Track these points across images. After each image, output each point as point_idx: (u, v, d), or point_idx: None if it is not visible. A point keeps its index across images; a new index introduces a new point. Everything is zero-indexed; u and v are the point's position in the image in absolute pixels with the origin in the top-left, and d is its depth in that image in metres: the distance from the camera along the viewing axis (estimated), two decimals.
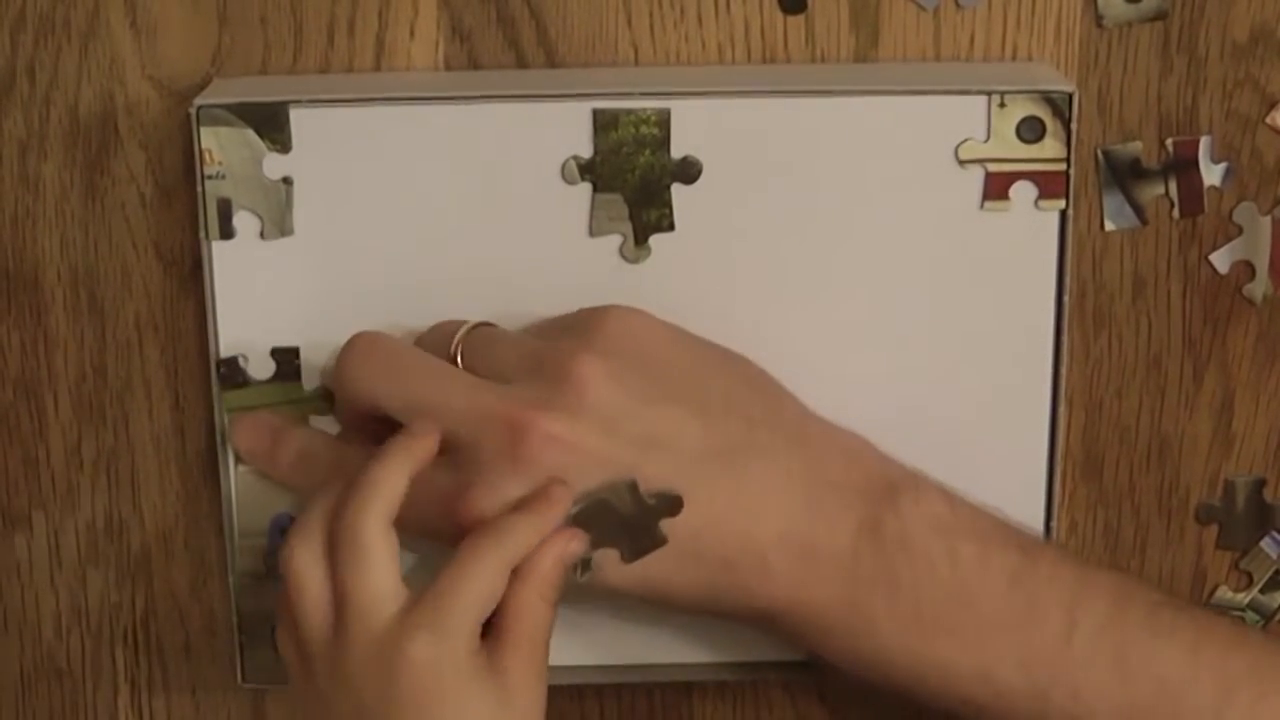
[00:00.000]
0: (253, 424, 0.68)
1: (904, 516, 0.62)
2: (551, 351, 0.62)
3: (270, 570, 0.69)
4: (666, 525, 0.62)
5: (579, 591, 0.63)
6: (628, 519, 0.61)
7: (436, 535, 0.63)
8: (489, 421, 0.61)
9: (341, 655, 0.60)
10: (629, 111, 0.65)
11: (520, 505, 0.61)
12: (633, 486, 0.61)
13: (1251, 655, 0.62)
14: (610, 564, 0.62)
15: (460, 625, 0.60)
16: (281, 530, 0.69)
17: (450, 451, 0.62)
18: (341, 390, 0.66)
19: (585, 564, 0.62)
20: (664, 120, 0.65)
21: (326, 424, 0.68)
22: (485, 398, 0.62)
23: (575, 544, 0.61)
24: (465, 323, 0.65)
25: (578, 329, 0.64)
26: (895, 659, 0.62)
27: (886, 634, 0.62)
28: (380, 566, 0.60)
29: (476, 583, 0.60)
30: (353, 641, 0.60)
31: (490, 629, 0.61)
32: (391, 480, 0.61)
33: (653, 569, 0.62)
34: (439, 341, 0.65)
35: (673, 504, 0.61)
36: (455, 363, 0.64)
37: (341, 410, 0.67)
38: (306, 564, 0.61)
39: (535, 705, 0.61)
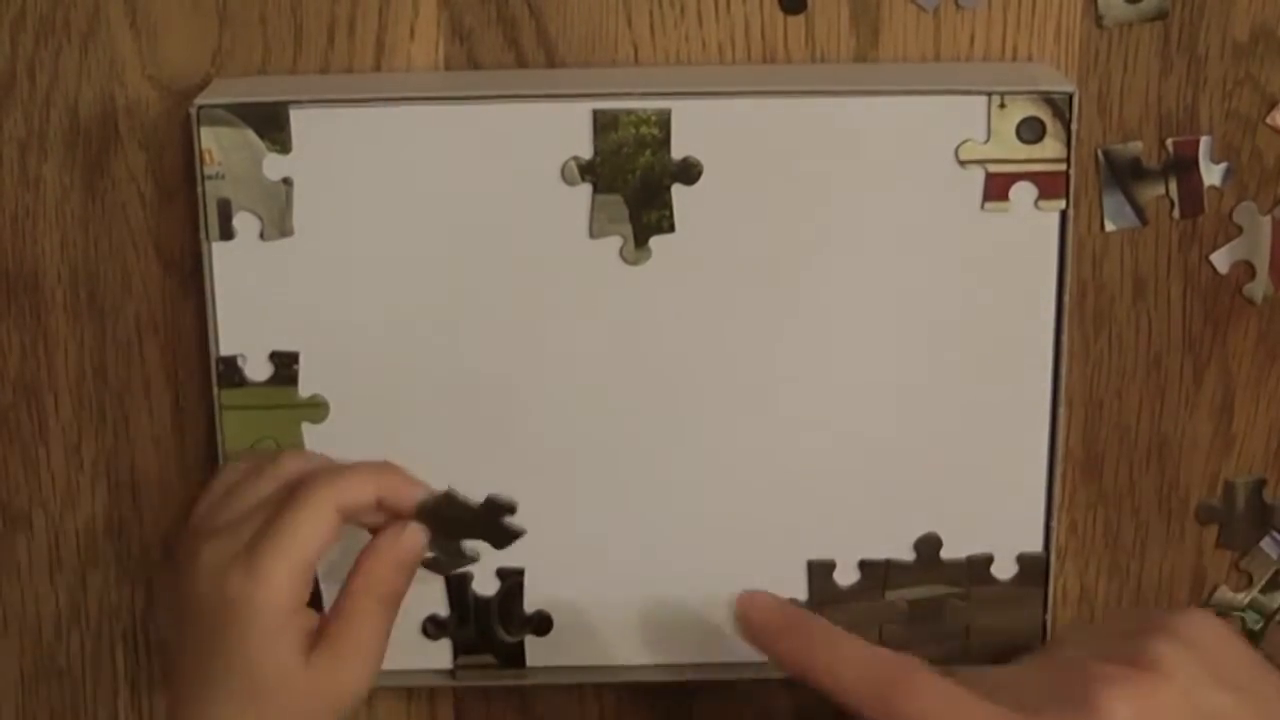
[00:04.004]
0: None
1: None
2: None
3: None
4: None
5: None
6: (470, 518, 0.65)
7: None
8: None
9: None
10: (629, 112, 0.65)
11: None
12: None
13: None
14: None
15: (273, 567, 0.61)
16: None
17: None
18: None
19: (454, 556, 0.65)
20: (664, 120, 0.65)
21: (320, 430, 0.68)
22: None
23: (411, 537, 0.63)
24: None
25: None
26: None
27: None
28: None
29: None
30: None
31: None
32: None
33: None
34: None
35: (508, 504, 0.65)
36: None
37: None
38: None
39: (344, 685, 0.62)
